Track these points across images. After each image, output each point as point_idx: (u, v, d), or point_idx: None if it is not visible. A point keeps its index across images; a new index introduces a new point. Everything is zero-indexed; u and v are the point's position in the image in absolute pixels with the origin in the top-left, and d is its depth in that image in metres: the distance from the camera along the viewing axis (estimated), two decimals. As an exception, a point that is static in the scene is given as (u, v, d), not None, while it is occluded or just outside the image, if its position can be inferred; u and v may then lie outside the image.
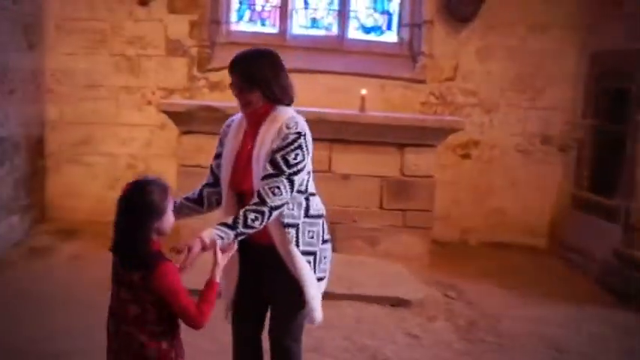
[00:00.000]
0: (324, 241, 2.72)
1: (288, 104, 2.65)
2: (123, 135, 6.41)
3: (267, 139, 2.50)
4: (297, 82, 6.02)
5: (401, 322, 4.34)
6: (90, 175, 6.45)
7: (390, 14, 6.89)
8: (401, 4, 6.79)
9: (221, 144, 2.72)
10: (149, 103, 6.35)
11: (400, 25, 6.80)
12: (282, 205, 2.44)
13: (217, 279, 2.28)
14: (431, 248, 5.83)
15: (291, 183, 2.44)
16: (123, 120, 6.39)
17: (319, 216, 2.67)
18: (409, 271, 5.20)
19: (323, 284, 2.76)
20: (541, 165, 6.56)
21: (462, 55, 6.47)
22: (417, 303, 4.62)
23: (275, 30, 6.75)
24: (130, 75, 6.36)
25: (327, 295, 4.43)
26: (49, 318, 4.01)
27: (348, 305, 4.48)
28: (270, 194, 2.40)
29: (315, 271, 2.62)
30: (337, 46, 6.74)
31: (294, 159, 2.45)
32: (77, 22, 6.28)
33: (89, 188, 6.39)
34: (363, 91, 5.51)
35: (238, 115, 2.71)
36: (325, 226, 2.72)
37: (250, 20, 6.81)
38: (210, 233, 2.30)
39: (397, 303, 4.60)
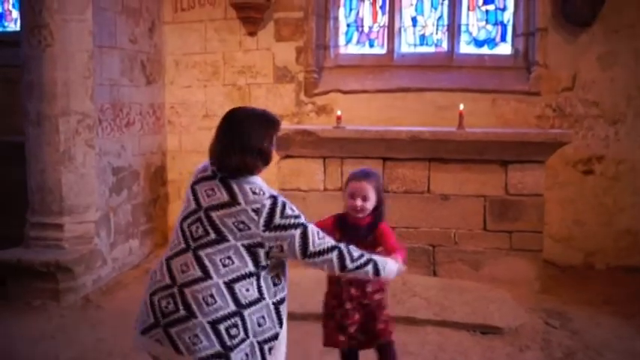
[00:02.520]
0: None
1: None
2: (236, 161, 6.63)
3: None
4: (402, 101, 6.18)
5: (487, 351, 4.03)
6: (209, 200, 6.74)
7: (504, 25, 6.55)
8: (515, 13, 6.44)
9: None
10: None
11: (514, 35, 6.44)
12: None
13: None
14: (547, 272, 5.44)
15: None
16: (236, 147, 6.62)
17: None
18: (512, 297, 4.83)
19: None
20: (677, 180, 5.83)
21: (581, 63, 5.96)
22: (511, 331, 4.27)
23: (382, 50, 6.69)
24: (241, 103, 6.58)
25: (408, 321, 4.35)
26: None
27: (432, 331, 4.26)
28: None
29: None
30: (446, 62, 6.52)
31: None
32: (192, 55, 6.67)
33: (208, 213, 6.69)
34: (461, 107, 5.27)
35: None
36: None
37: (358, 42, 6.81)
38: None
39: (488, 330, 4.29)
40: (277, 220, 2.32)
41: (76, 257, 5.06)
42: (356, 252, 2.47)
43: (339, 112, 5.50)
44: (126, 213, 5.92)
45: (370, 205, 3.01)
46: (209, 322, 2.26)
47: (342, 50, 6.78)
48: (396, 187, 5.37)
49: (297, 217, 2.37)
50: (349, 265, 2.42)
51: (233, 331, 2.28)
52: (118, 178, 5.76)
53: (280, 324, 2.43)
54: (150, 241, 6.35)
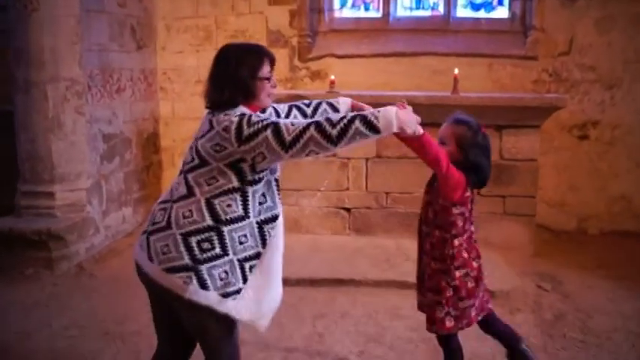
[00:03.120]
0: None
1: None
2: (231, 127, 6.58)
3: None
4: (397, 65, 6.10)
5: (479, 314, 4.05)
6: (202, 167, 6.72)
7: (501, -13, 6.45)
8: (512, -25, 6.32)
9: None
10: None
11: (511, -2, 6.34)
12: None
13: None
14: (540, 237, 5.48)
15: None
16: (230, 113, 6.56)
17: None
18: (505, 261, 4.85)
19: None
20: (672, 145, 5.79)
21: (578, 27, 5.87)
22: (502, 294, 4.27)
23: (378, 14, 6.59)
24: (235, 68, 6.52)
25: (401, 285, 4.35)
26: (131, 301, 4.19)
27: None
28: None
29: None
30: (442, 25, 6.42)
31: None
32: (184, 20, 6.55)
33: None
34: (456, 71, 5.21)
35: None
36: None
37: (353, 6, 6.70)
38: None
39: (480, 295, 4.30)
40: (246, 130, 2.25)
41: (68, 225, 5.04)
42: (336, 116, 2.26)
43: (332, 77, 5.43)
44: (118, 181, 5.88)
45: (447, 150, 2.64)
46: (181, 234, 2.31)
47: (337, 14, 6.68)
48: (391, 152, 5.35)
49: (264, 119, 2.27)
50: (332, 131, 2.20)
51: (205, 245, 2.30)
52: (110, 145, 5.70)
53: (264, 244, 2.39)
54: (143, 209, 6.31)
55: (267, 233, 2.40)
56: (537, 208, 5.32)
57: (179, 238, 2.31)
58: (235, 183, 2.31)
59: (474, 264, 2.77)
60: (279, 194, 2.49)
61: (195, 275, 2.29)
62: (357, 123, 2.21)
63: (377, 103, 5.09)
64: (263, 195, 2.39)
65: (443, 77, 5.86)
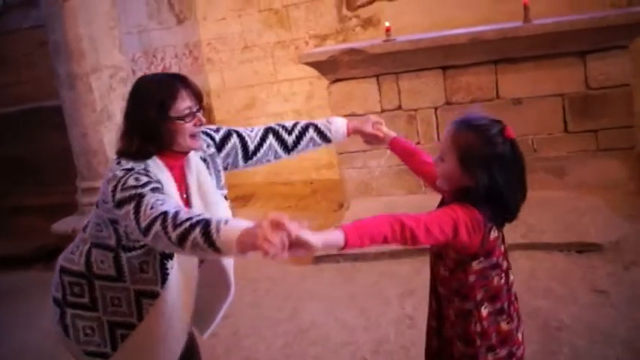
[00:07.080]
0: None
1: None
2: (284, 91, 6.24)
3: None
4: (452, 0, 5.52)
5: (587, 273, 3.58)
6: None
7: None
8: None
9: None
10: (304, 54, 6.10)
11: None
12: None
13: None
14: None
15: None
16: (282, 76, 6.22)
17: None
18: (606, 205, 4.32)
19: None
20: None
21: None
22: (612, 246, 3.79)
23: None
24: (281, 29, 6.15)
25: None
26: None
27: (521, 256, 3.77)
28: None
29: None
30: (501, -53, 5.79)
31: None
32: (221, -16, 6.18)
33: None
34: (525, -3, 4.63)
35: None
36: None
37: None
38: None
39: (585, 248, 3.83)
40: (118, 194, 1.84)
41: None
42: (186, 214, 1.70)
43: (387, 24, 4.95)
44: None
45: (444, 169, 1.80)
46: (59, 267, 2.14)
47: (382, -47, 6.13)
48: (461, 97, 4.85)
49: (137, 187, 1.83)
50: (172, 233, 1.67)
51: (76, 289, 2.08)
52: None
53: (140, 317, 2.02)
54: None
55: (144, 308, 2.02)
56: (636, 138, 4.72)
57: (58, 269, 2.15)
58: (112, 242, 2.00)
59: (518, 336, 1.85)
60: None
61: (60, 315, 2.10)
62: (197, 231, 1.64)
63: (438, 46, 4.71)
64: (146, 263, 1.99)
65: (508, 5, 5.24)
